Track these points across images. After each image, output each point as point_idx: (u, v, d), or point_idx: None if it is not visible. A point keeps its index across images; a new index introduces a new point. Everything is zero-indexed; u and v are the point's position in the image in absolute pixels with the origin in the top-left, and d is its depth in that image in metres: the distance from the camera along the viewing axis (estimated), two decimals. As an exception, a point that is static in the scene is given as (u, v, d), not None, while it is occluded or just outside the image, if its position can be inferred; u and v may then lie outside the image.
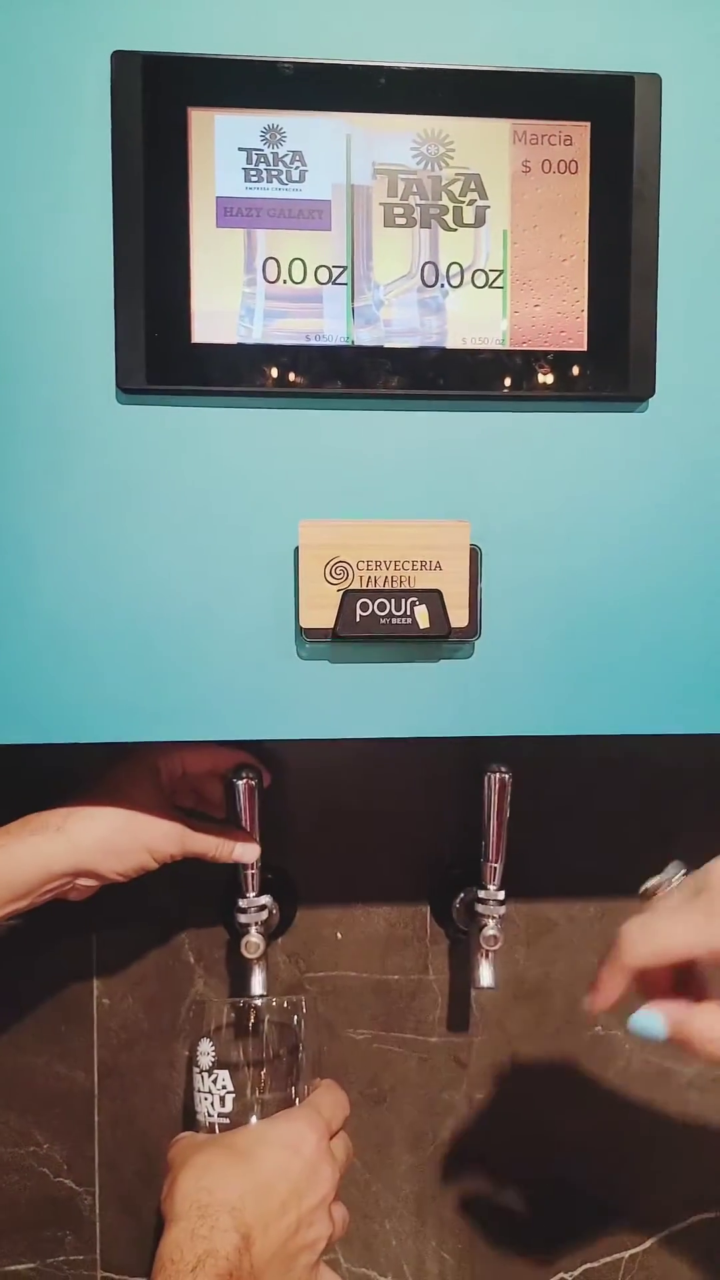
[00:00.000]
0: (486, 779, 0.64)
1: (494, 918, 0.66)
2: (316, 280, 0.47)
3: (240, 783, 0.62)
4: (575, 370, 0.49)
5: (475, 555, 0.49)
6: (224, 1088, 0.60)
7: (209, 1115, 0.60)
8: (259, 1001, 0.64)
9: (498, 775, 0.64)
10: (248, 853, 0.62)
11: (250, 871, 0.63)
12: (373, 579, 0.48)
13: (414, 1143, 0.74)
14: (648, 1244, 0.75)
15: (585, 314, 0.49)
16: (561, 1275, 0.75)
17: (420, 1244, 0.75)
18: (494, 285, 0.48)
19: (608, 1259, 0.75)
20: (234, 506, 0.49)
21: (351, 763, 0.71)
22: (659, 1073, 0.75)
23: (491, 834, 0.65)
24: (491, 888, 0.66)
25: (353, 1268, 0.74)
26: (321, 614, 0.48)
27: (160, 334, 0.47)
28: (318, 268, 0.47)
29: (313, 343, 0.47)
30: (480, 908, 0.66)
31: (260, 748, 0.67)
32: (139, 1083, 0.72)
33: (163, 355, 0.47)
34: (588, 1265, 0.75)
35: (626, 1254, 0.75)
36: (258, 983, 0.65)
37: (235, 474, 0.48)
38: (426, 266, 0.48)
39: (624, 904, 0.74)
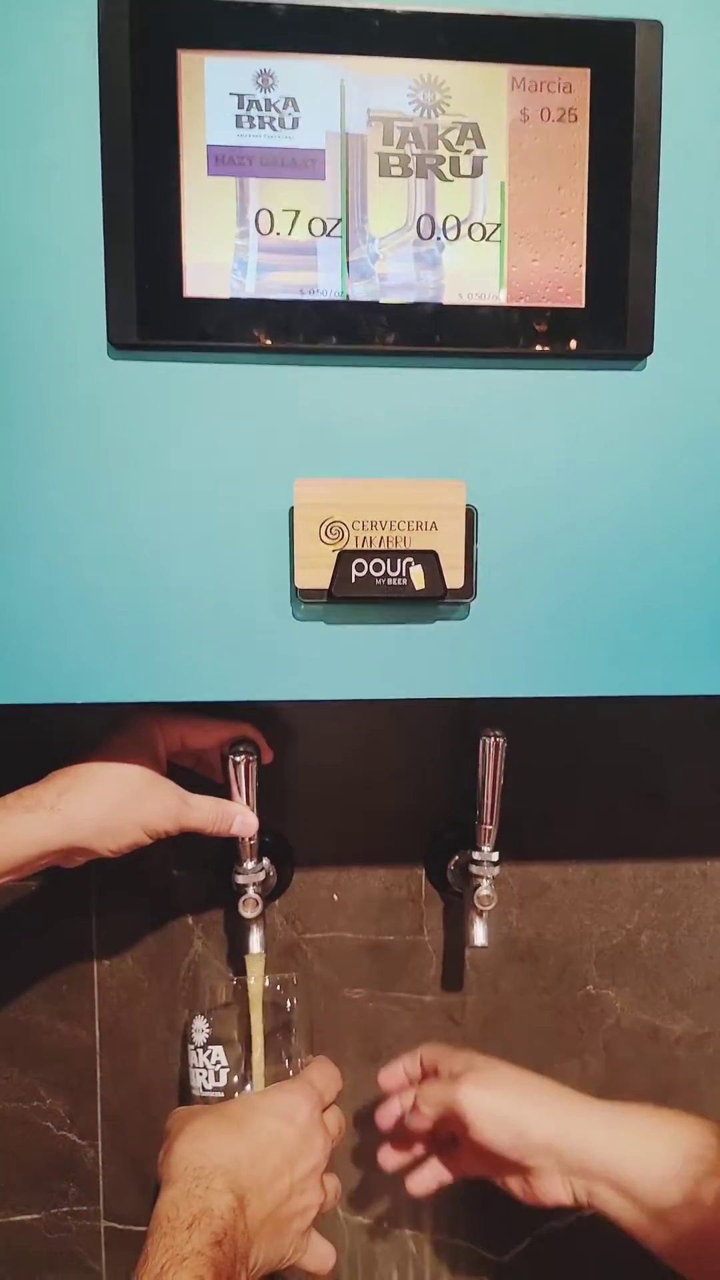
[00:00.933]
0: (481, 742, 0.64)
1: (487, 878, 0.66)
2: (310, 232, 0.46)
3: (239, 759, 0.62)
4: (573, 328, 0.48)
5: (471, 516, 0.49)
6: (218, 1063, 0.62)
7: (203, 1090, 0.61)
8: (253, 979, 0.65)
9: (492, 738, 0.64)
10: (246, 827, 0.62)
11: (249, 842, 0.64)
12: (368, 539, 0.48)
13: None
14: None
15: (584, 269, 0.48)
16: (551, 1224, 0.76)
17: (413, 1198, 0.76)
18: (491, 239, 0.47)
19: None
20: (228, 464, 0.48)
21: (347, 726, 0.72)
22: (649, 1031, 0.76)
23: (486, 796, 0.65)
24: (486, 849, 0.66)
25: (349, 1216, 0.76)
26: (317, 574, 0.48)
27: (152, 288, 0.46)
28: (311, 220, 0.46)
29: (307, 297, 0.47)
30: (474, 869, 0.67)
31: (259, 714, 0.68)
32: (140, 1040, 0.73)
33: (155, 310, 0.46)
34: (576, 1216, 0.76)
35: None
36: (255, 942, 0.65)
37: (229, 431, 0.48)
38: (423, 219, 0.47)
39: (615, 866, 0.75)
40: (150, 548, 0.48)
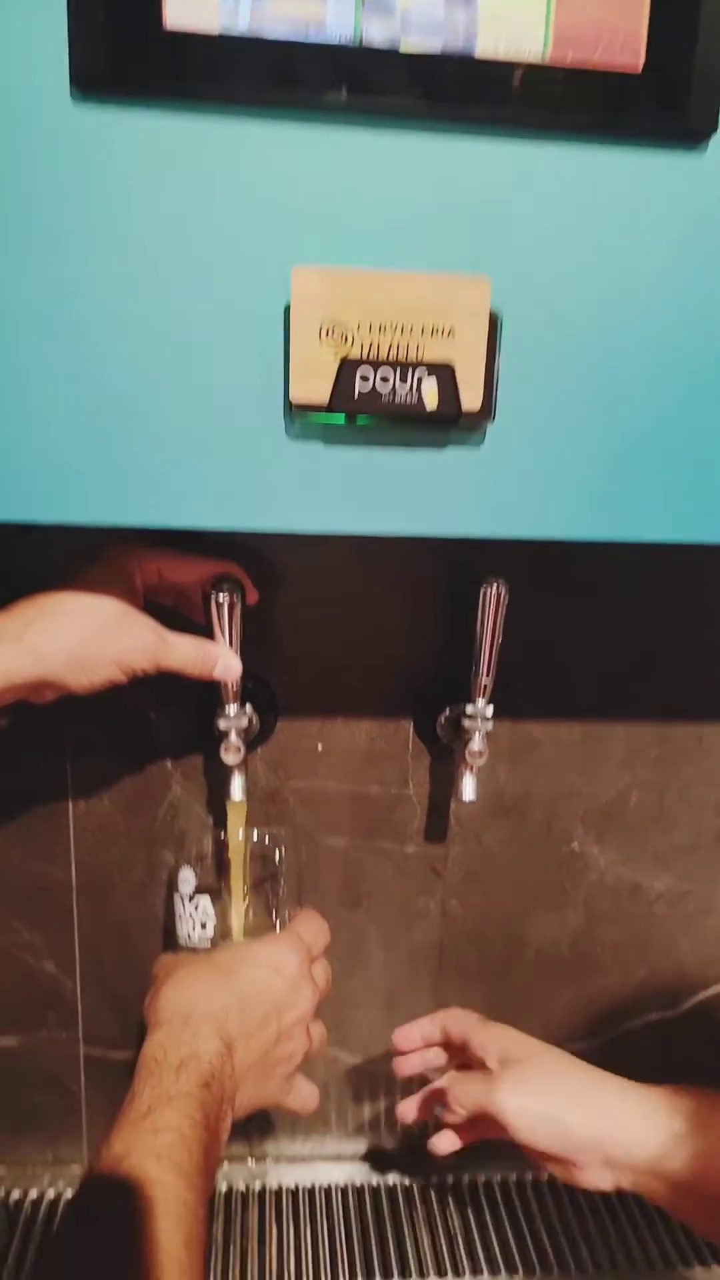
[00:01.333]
0: (481, 591, 0.60)
1: (480, 732, 0.64)
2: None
3: (222, 597, 0.57)
4: (626, 94, 0.41)
5: (494, 323, 0.42)
6: (205, 914, 0.61)
7: (189, 939, 0.61)
8: (240, 834, 0.63)
9: (494, 587, 0.60)
10: (228, 671, 0.58)
11: (231, 686, 0.60)
12: (375, 346, 0.42)
13: (388, 943, 0.76)
14: (607, 1039, 0.79)
15: (645, 20, 0.40)
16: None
17: (389, 1031, 0.77)
18: (538, -27, 0.39)
19: (567, 1049, 0.79)
20: (215, 243, 0.41)
21: (338, 567, 0.67)
22: (630, 887, 0.76)
23: (483, 648, 0.62)
24: (480, 702, 0.63)
25: (330, 1052, 0.77)
26: (315, 385, 0.42)
27: (125, 15, 0.37)
28: None
29: (313, 38, 0.38)
30: (466, 722, 0.64)
31: (243, 552, 0.63)
32: (116, 880, 0.72)
33: (128, 44, 0.38)
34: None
35: (583, 1045, 0.79)
36: (237, 789, 0.63)
37: (216, 201, 0.40)
38: (458, -62, 0.38)
39: (609, 726, 0.72)
40: (120, 345, 0.42)
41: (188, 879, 0.62)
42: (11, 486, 0.43)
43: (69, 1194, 0.74)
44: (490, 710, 0.63)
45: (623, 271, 0.43)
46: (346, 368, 0.42)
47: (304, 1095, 0.57)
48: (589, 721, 0.72)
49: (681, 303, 0.43)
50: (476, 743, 0.64)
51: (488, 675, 0.62)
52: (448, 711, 0.68)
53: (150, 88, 0.39)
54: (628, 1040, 0.79)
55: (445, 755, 0.71)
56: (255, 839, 0.64)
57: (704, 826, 0.75)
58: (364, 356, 0.42)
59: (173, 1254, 0.39)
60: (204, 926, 0.61)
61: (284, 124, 0.40)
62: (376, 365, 0.42)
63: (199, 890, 0.61)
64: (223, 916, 0.61)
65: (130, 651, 0.52)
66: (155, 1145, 0.43)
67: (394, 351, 0.42)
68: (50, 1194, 0.75)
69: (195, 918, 0.61)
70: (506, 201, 0.42)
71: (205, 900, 0.61)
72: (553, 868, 0.75)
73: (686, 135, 0.41)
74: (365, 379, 0.42)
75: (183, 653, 0.55)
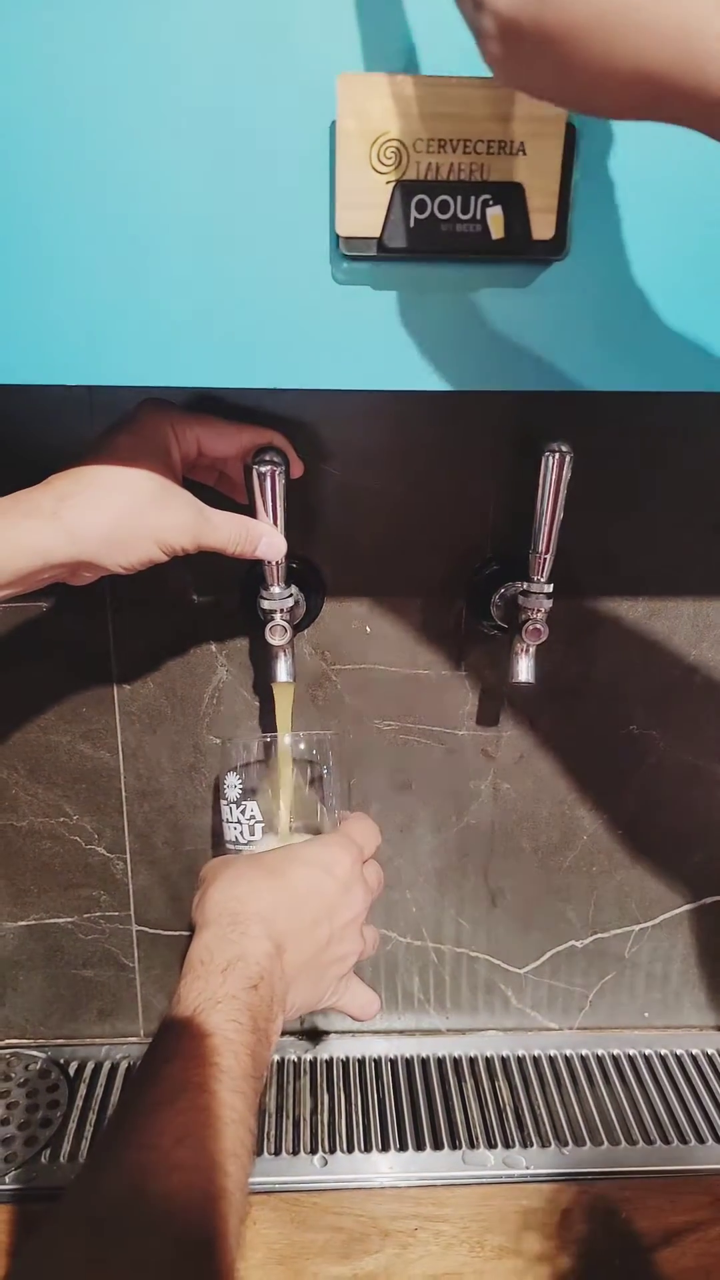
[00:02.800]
0: (544, 458, 0.56)
1: (540, 610, 0.60)
2: None
3: (265, 470, 0.54)
4: None
5: (571, 136, 0.36)
6: (252, 818, 0.60)
7: (238, 843, 0.60)
8: (288, 738, 0.61)
9: (557, 454, 0.55)
10: (272, 549, 0.55)
11: (276, 566, 0.57)
12: (434, 167, 0.36)
13: (438, 825, 0.75)
14: (659, 920, 0.78)
15: None
16: (573, 943, 0.79)
17: (439, 911, 0.78)
18: None
19: (618, 930, 0.78)
20: (248, 45, 0.35)
21: (388, 437, 0.63)
22: (691, 771, 0.74)
23: (544, 521, 0.58)
24: (539, 579, 0.60)
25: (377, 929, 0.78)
26: (365, 216, 0.37)
27: None
28: None
29: None
30: (524, 600, 0.61)
31: (286, 421, 0.59)
32: (164, 763, 0.71)
33: None
34: (598, 935, 0.79)
35: (636, 928, 0.78)
36: (283, 670, 0.61)
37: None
38: None
39: (676, 603, 0.68)
40: (143, 174, 0.37)
41: (234, 784, 0.61)
42: (30, 345, 0.39)
43: (125, 1064, 0.77)
44: (550, 587, 0.60)
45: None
46: (401, 193, 0.36)
47: (361, 1001, 0.56)
48: (654, 598, 0.68)
49: None
50: (536, 622, 0.60)
51: (548, 550, 0.58)
52: (503, 590, 0.64)
53: None
54: (680, 923, 0.79)
55: (500, 636, 0.68)
56: (302, 741, 0.62)
57: (771, 710, 0.72)
58: (422, 178, 0.36)
59: (216, 1161, 0.38)
60: (252, 831, 0.60)
61: None
62: (435, 190, 0.36)
63: (246, 794, 0.60)
64: (271, 819, 0.60)
65: (169, 529, 0.49)
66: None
67: (456, 172, 0.36)
68: (107, 1064, 0.78)
69: (244, 822, 0.60)
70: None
71: (253, 805, 0.60)
72: (609, 751, 0.73)
73: None
74: (422, 207, 0.37)
75: (224, 530, 0.52)
